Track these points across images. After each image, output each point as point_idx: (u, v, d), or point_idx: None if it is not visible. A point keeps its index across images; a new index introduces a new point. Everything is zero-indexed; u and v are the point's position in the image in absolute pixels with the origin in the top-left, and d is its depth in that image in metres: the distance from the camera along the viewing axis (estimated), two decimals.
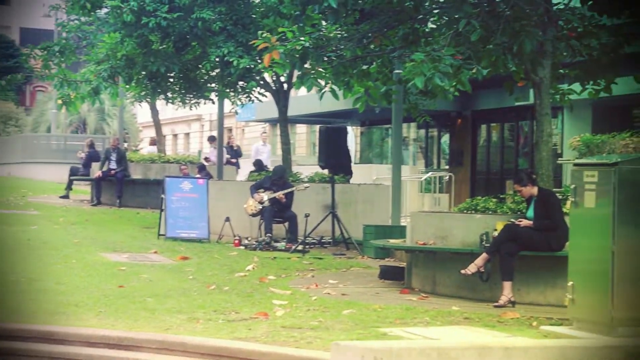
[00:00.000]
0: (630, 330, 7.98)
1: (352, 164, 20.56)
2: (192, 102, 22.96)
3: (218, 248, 16.13)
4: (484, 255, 10.80)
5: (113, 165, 23.96)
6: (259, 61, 17.84)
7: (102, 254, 14.50)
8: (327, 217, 17.29)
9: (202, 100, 23.11)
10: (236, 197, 18.04)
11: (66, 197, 25.40)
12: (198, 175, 21.23)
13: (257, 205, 16.90)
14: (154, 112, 30.36)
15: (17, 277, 11.62)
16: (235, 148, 27.97)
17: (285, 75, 19.17)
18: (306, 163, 32.96)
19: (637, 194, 8.16)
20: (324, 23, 13.18)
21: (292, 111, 22.63)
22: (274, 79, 19.98)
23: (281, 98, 20.07)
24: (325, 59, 12.77)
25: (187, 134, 57.63)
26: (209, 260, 14.39)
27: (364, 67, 13.60)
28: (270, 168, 21.04)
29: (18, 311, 9.50)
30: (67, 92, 19.50)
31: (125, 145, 31.38)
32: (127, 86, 21.84)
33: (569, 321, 8.69)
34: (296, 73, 14.22)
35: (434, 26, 13.07)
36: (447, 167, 27.90)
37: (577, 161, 10.07)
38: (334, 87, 13.33)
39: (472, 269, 10.82)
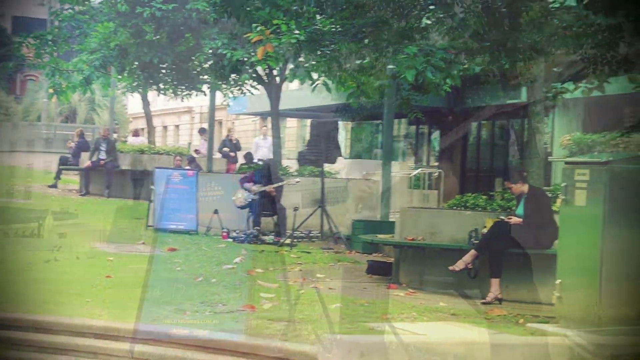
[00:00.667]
0: (616, 329, 7.99)
1: (341, 158, 20.50)
2: (184, 93, 22.91)
3: (206, 240, 16.10)
4: (473, 252, 10.81)
5: (103, 155, 23.91)
6: (252, 54, 17.80)
7: (90, 244, 14.45)
8: (315, 212, 17.27)
9: (194, 92, 23.05)
10: (225, 190, 18.00)
11: (54, 186, 25.33)
12: (188, 167, 21.18)
13: (246, 197, 16.86)
14: (145, 103, 30.26)
15: (4, 267, 11.56)
16: (234, 142, 27.91)
17: (278, 68, 19.12)
18: (295, 157, 32.83)
19: (627, 193, 8.18)
20: (318, 17, 13.14)
21: (283, 105, 22.59)
22: (267, 72, 19.93)
23: (273, 91, 20.02)
24: (319, 52, 12.72)
25: (177, 126, 57.47)
26: (197, 252, 14.35)
27: (358, 61, 13.56)
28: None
29: (6, 301, 9.47)
30: (59, 81, 19.45)
31: (115, 136, 31.29)
32: (120, 76, 21.78)
33: (555, 319, 8.70)
34: (289, 66, 14.17)
35: (428, 22, 13.04)
36: (436, 163, 27.88)
37: (569, 159, 10.08)
38: (327, 80, 13.29)
39: (460, 265, 10.82)
